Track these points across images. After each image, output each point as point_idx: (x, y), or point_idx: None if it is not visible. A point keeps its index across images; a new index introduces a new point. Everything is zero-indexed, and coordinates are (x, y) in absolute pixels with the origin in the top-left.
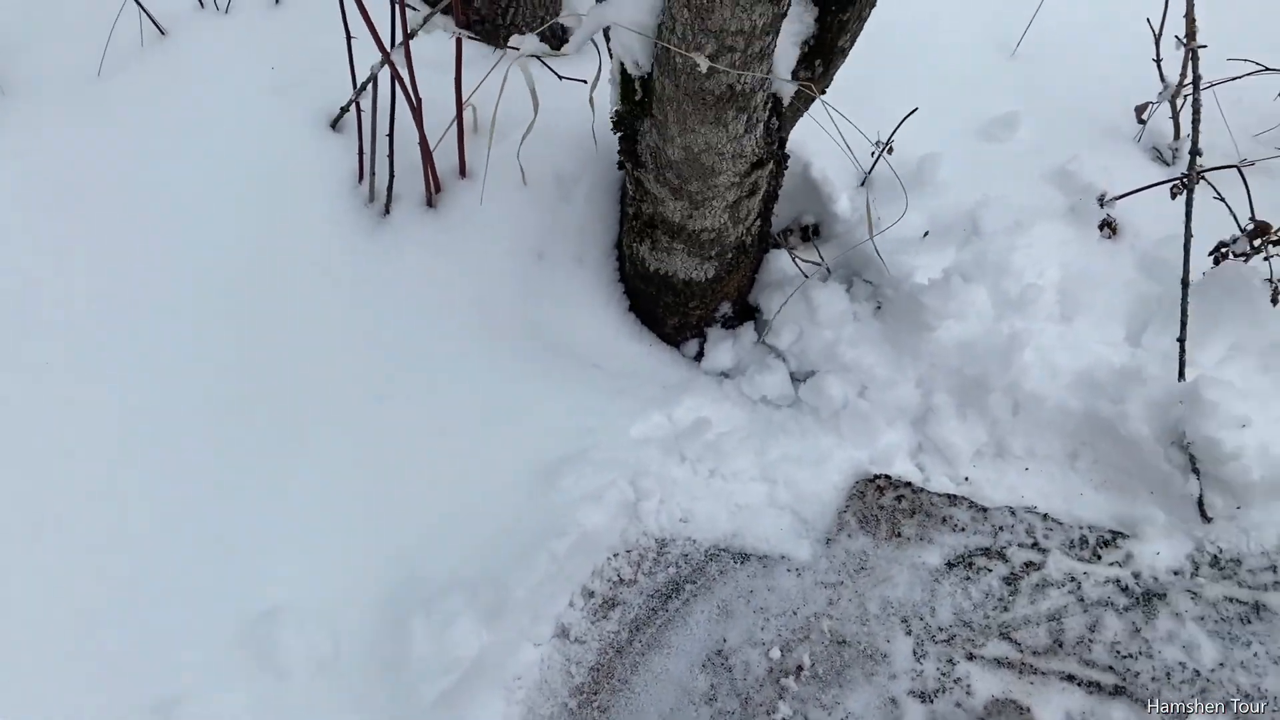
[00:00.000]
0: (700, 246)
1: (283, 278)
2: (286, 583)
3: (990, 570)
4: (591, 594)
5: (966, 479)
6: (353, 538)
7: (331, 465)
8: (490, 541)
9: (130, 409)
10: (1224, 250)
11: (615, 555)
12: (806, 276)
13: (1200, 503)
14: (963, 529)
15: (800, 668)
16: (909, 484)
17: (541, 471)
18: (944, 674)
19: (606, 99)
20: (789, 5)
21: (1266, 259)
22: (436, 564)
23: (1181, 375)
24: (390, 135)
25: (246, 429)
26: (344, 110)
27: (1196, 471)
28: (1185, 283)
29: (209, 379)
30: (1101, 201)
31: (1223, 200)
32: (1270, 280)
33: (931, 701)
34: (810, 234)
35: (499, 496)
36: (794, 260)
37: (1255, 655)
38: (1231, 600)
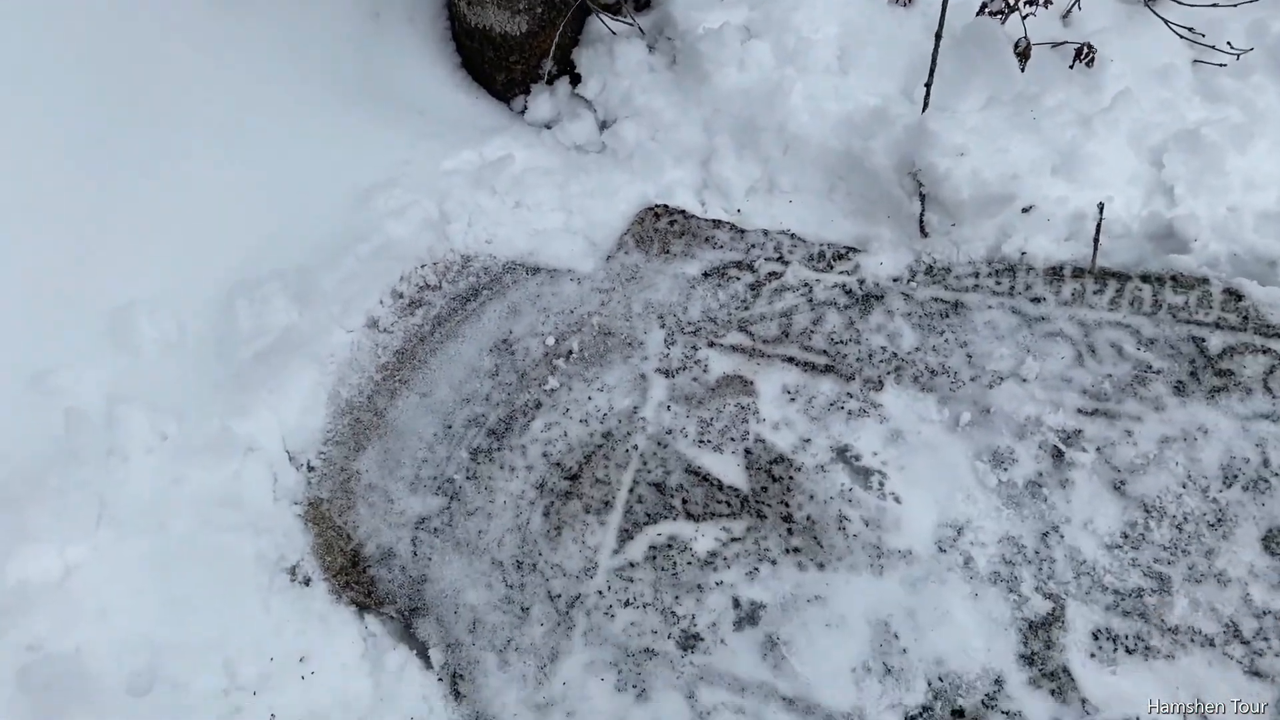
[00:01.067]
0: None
1: (146, 38)
2: (141, 281)
3: (739, 279)
4: (400, 295)
5: (739, 210)
6: (198, 245)
7: (182, 186)
8: (309, 247)
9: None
10: (985, 7)
11: (423, 266)
12: (614, 33)
13: (921, 221)
14: (721, 247)
15: (570, 352)
16: (683, 211)
17: (357, 194)
18: (687, 357)
19: None
20: None
21: (1023, 18)
22: (263, 264)
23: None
24: None
25: (112, 155)
26: None
27: (921, 195)
28: (939, 35)
29: (77, 114)
30: None
31: None
32: (1023, 38)
33: (673, 376)
34: (639, 3)
35: (319, 213)
36: (599, 18)
37: (945, 341)
38: (937, 300)
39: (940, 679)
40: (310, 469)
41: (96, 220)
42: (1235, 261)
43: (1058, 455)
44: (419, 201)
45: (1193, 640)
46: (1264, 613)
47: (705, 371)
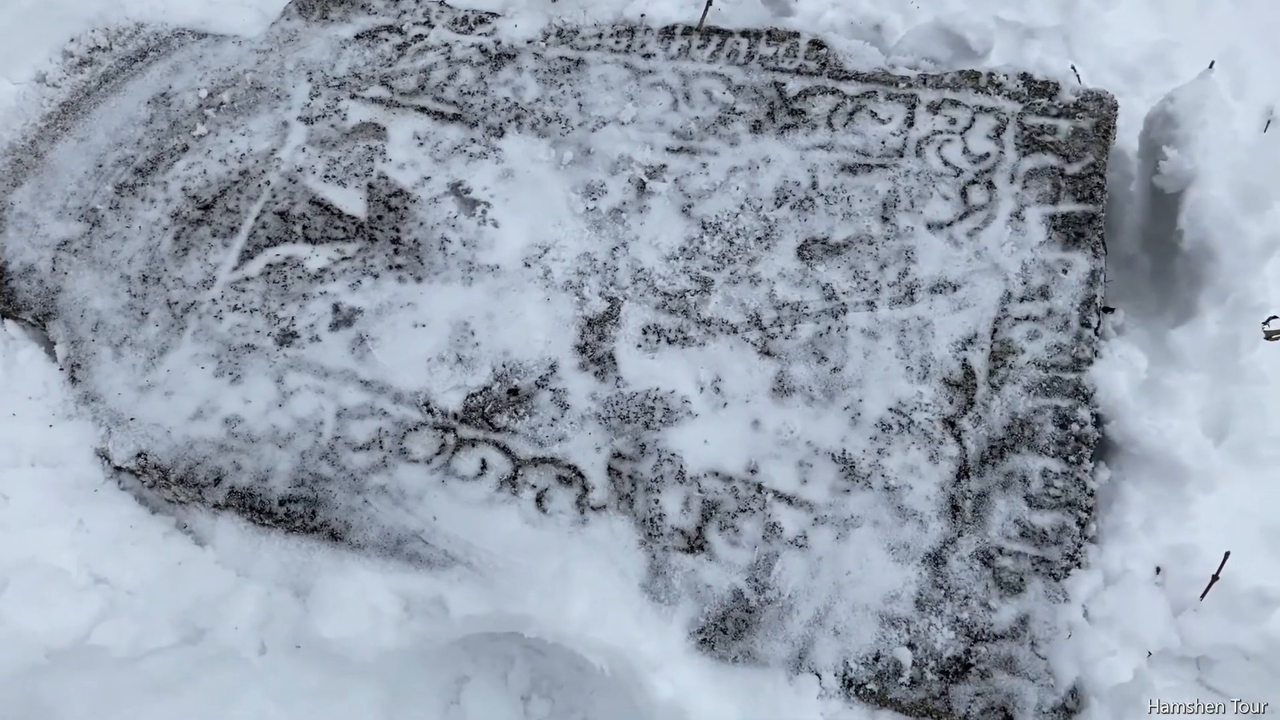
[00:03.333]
0: None
1: None
2: None
3: (387, 40)
4: (70, 55)
5: None
6: None
7: None
8: None
9: None
10: None
11: (94, 29)
12: None
13: None
14: (375, 13)
15: (221, 104)
16: None
17: None
18: (329, 107)
19: None
20: None
21: None
22: None
23: None
24: None
25: None
26: None
27: None
28: None
29: None
30: None
31: None
32: None
33: (313, 123)
34: None
35: None
36: None
37: (563, 93)
38: (562, 59)
39: (504, 366)
40: None
41: None
42: (851, 30)
43: (641, 187)
44: None
45: (721, 330)
46: (782, 305)
47: (344, 120)
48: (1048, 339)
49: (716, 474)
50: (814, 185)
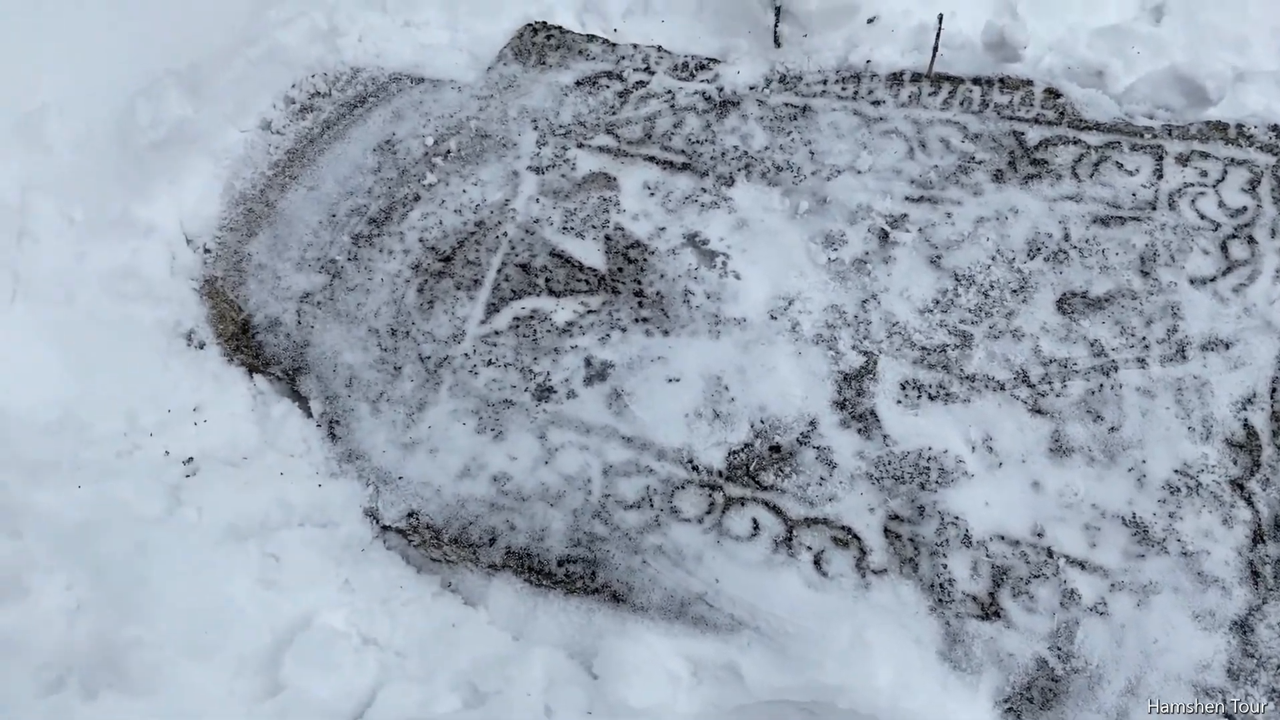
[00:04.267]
0: None
1: None
2: (48, 86)
3: (608, 87)
4: (292, 101)
5: (615, 30)
6: (98, 49)
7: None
8: (204, 54)
9: None
10: None
11: (314, 75)
12: None
13: (775, 32)
14: (594, 59)
15: (449, 151)
16: (560, 28)
17: (250, 4)
18: (557, 156)
19: None
20: None
21: None
22: (159, 65)
23: None
24: None
25: None
26: None
27: (776, 9)
28: None
29: None
30: None
31: None
32: None
33: (543, 173)
34: None
35: (212, 19)
36: None
37: (792, 140)
38: (787, 105)
39: (762, 421)
40: (206, 251)
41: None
42: (1069, 74)
43: (883, 236)
44: (309, 14)
45: (987, 386)
46: (1050, 361)
47: (573, 169)
48: None
49: (1002, 537)
50: (1066, 237)
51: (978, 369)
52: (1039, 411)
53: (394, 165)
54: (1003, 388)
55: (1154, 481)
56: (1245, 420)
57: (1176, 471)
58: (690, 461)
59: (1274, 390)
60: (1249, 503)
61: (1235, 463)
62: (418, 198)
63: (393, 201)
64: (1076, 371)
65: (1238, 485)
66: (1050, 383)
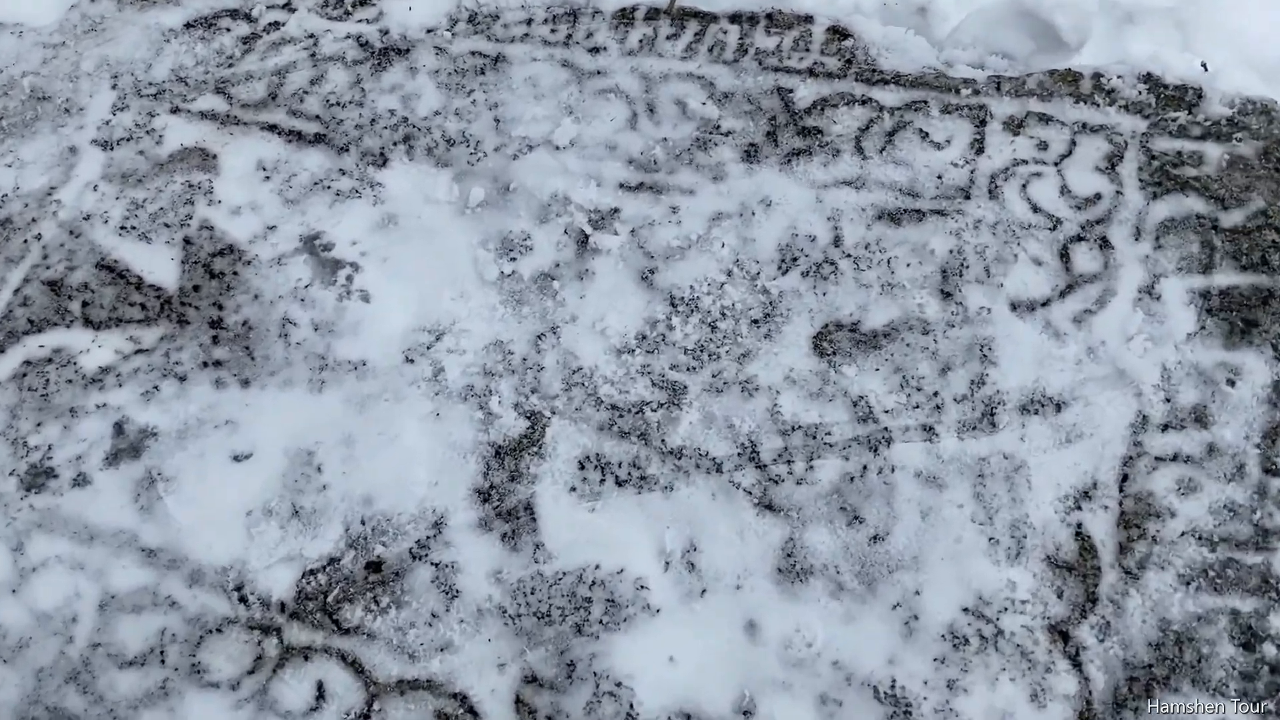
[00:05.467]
0: None
1: None
2: None
3: (229, 30)
4: None
5: None
6: None
7: None
8: None
9: None
10: None
11: None
12: None
13: None
14: None
15: None
16: None
17: None
18: (139, 125)
19: None
20: None
21: None
22: None
23: None
24: None
25: None
26: None
27: None
28: None
29: None
30: None
31: None
32: None
33: (113, 149)
34: None
35: None
36: None
37: (473, 103)
38: (475, 54)
39: (363, 522)
40: None
41: None
42: (886, 13)
43: (582, 240)
44: None
45: (699, 465)
46: (792, 428)
47: (158, 144)
48: (1212, 494)
49: (688, 717)
50: (837, 241)
51: (687, 439)
52: (769, 507)
53: None
54: (720, 468)
55: (930, 627)
56: (1079, 527)
57: (966, 610)
58: (239, 588)
59: (1124, 479)
60: (1075, 664)
61: (1061, 596)
62: None
63: None
64: (830, 445)
65: (1060, 633)
66: (790, 461)
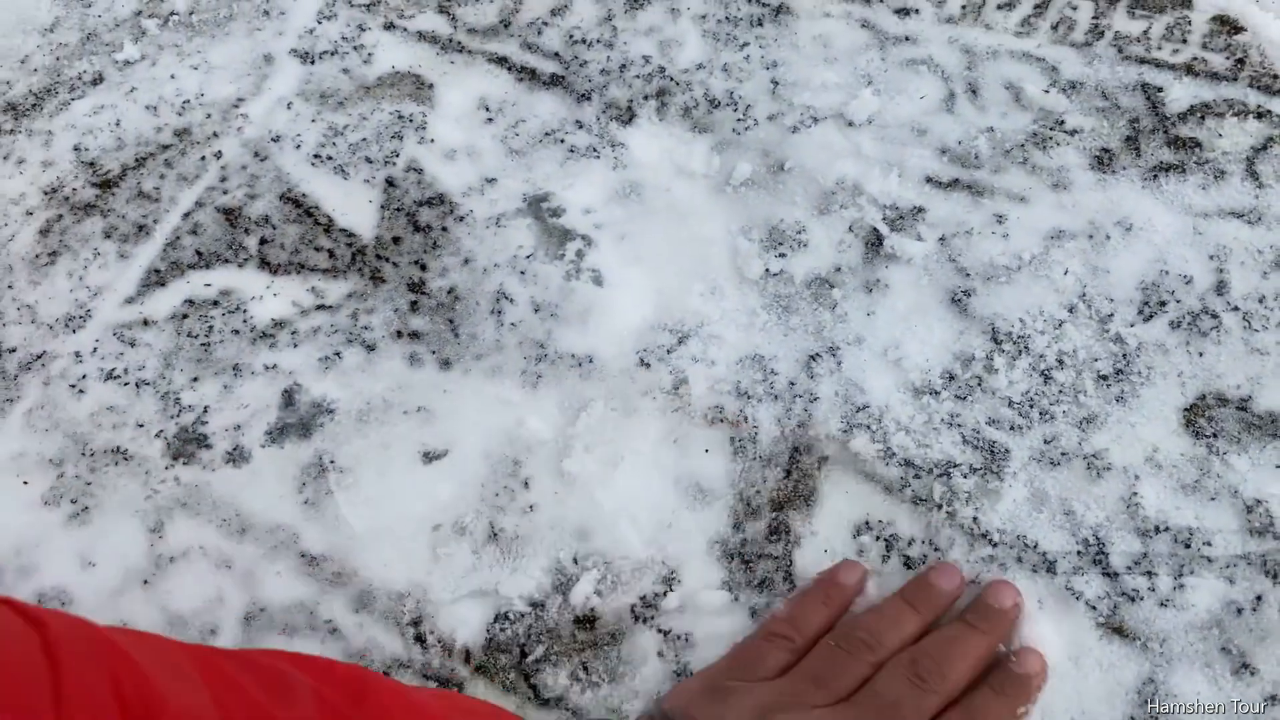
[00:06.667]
0: None
1: None
2: None
3: None
4: None
5: None
6: None
7: None
8: None
9: None
10: None
11: None
12: None
13: None
14: None
15: (173, 12)
16: None
17: None
18: (346, 39)
19: None
20: None
21: None
22: None
23: None
24: None
25: None
26: None
27: None
28: None
29: None
30: None
31: None
32: None
33: (314, 63)
34: None
35: None
36: None
37: (747, 59)
38: (753, 0)
39: (575, 561)
40: None
41: None
42: None
43: (874, 243)
44: None
45: (1020, 559)
46: (1156, 528)
47: (365, 63)
48: None
49: None
50: (1221, 288)
51: (1008, 522)
52: (1119, 630)
53: (79, 25)
54: (1052, 568)
55: None
56: None
57: None
58: (416, 623)
59: None
60: None
61: None
62: (99, 80)
63: (56, 81)
64: (1210, 560)
65: None
66: (1152, 574)
